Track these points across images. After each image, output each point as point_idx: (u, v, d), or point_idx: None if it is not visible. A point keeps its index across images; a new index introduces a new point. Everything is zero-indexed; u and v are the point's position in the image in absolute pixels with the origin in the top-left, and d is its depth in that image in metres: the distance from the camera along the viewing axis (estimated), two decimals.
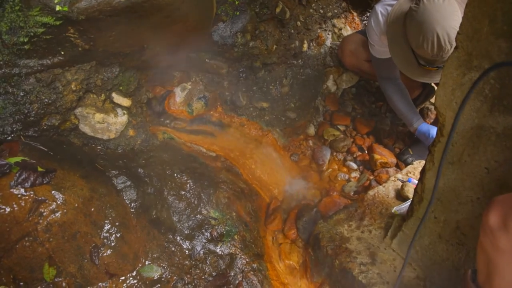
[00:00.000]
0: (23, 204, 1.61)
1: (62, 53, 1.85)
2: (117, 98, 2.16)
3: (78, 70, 1.98)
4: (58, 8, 1.66)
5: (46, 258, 1.64)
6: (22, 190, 1.62)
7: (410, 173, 2.39)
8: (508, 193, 1.10)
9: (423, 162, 2.31)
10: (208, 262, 2.03)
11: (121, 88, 2.19)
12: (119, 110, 2.17)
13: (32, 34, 1.69)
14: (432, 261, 1.70)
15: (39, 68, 1.82)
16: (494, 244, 1.08)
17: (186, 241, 2.06)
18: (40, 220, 1.63)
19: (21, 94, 1.81)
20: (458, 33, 1.21)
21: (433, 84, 2.95)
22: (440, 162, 1.38)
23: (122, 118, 2.17)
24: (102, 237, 1.81)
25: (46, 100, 1.89)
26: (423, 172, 1.61)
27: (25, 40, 1.70)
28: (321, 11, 3.20)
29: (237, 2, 2.63)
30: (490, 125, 1.23)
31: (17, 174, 1.62)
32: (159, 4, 1.85)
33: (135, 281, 1.84)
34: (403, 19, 2.15)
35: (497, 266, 1.12)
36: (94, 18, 1.76)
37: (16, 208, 1.59)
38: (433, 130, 2.55)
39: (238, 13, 2.63)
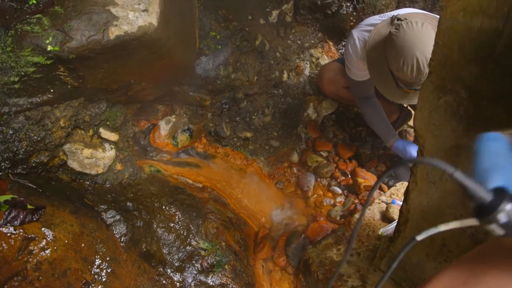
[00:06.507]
0: (12, 243, 1.59)
1: (52, 91, 1.87)
2: (105, 133, 2.18)
3: (67, 107, 2.00)
4: (49, 48, 1.70)
5: None
6: (12, 229, 1.60)
7: (393, 194, 2.44)
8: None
9: (406, 183, 2.38)
10: None
11: (108, 123, 2.21)
12: (106, 145, 2.19)
13: (22, 73, 1.71)
14: (421, 279, 1.74)
15: (28, 106, 1.83)
16: None
17: (177, 274, 2.05)
18: (29, 259, 1.60)
19: (10, 132, 1.81)
20: (431, 59, 1.29)
21: (409, 108, 3.07)
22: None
23: (110, 153, 2.19)
24: (93, 273, 1.79)
25: (35, 137, 1.89)
26: (407, 192, 1.66)
27: (16, 80, 1.71)
28: (299, 42, 3.33)
29: (218, 37, 2.72)
30: (467, 144, 1.30)
31: (6, 213, 1.60)
32: (147, 41, 1.91)
33: None
34: (383, 43, 2.23)
35: None
36: (84, 57, 1.80)
37: (5, 247, 1.57)
38: (409, 146, 2.66)
39: (220, 47, 2.71)
